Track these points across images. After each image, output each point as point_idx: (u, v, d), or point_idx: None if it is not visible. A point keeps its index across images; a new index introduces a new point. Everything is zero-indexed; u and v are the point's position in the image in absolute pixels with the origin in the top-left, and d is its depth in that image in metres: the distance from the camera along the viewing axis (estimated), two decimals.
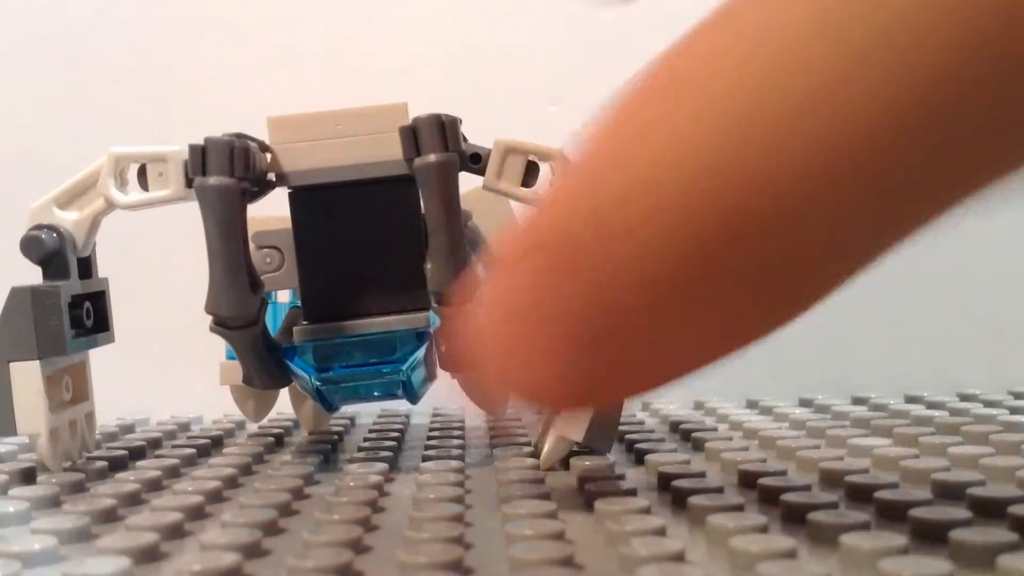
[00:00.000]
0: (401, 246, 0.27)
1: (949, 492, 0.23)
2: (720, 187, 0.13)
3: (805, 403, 0.38)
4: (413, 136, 0.26)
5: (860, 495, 0.23)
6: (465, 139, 0.26)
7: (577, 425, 0.27)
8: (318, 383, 0.27)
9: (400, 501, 0.24)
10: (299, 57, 0.41)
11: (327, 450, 0.30)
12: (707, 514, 0.21)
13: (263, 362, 0.27)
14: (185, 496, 0.24)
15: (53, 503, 0.24)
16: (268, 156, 0.27)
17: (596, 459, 0.27)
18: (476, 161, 0.27)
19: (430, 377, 0.29)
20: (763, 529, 0.20)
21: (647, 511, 0.21)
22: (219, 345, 0.40)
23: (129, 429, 0.36)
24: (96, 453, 0.30)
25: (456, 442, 0.32)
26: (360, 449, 0.30)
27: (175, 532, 0.21)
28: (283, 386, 0.29)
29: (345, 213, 0.27)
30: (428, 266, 0.26)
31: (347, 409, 0.38)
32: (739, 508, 0.21)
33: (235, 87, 0.41)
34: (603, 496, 0.23)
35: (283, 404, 0.35)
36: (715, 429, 0.33)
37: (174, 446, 0.32)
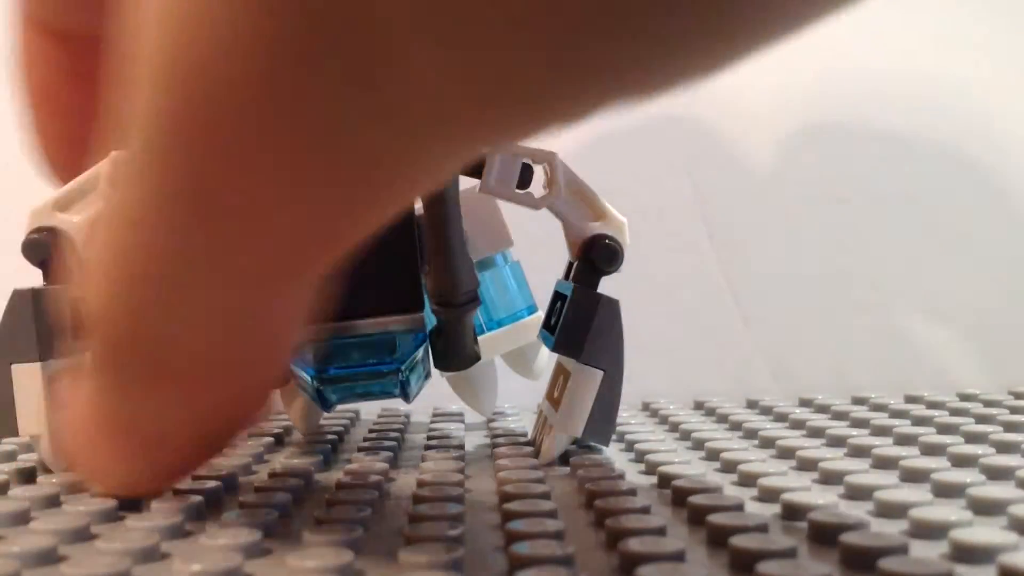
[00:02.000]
0: (394, 246, 0.27)
1: (949, 492, 0.23)
2: None
3: (805, 403, 0.38)
4: None
5: (859, 495, 0.23)
6: None
7: (577, 421, 0.27)
8: (317, 383, 0.27)
9: (400, 501, 0.24)
10: None
11: (327, 450, 0.30)
12: (707, 514, 0.21)
13: None
14: (185, 496, 0.24)
15: (53, 503, 0.24)
16: None
17: (596, 458, 0.27)
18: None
19: (425, 375, 0.29)
20: (763, 529, 0.20)
21: (647, 511, 0.21)
22: None
23: None
24: None
25: (456, 442, 0.32)
26: (360, 449, 0.30)
27: (175, 532, 0.21)
28: (279, 387, 0.29)
29: None
30: (427, 268, 0.26)
31: (348, 408, 0.38)
32: (739, 508, 0.21)
33: None
34: (603, 496, 0.23)
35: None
36: (715, 429, 0.33)
37: None
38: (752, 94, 0.41)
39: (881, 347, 0.42)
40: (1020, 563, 0.17)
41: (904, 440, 0.30)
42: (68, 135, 0.23)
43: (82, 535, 0.21)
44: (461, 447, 0.31)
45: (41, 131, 0.25)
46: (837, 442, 0.30)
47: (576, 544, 0.20)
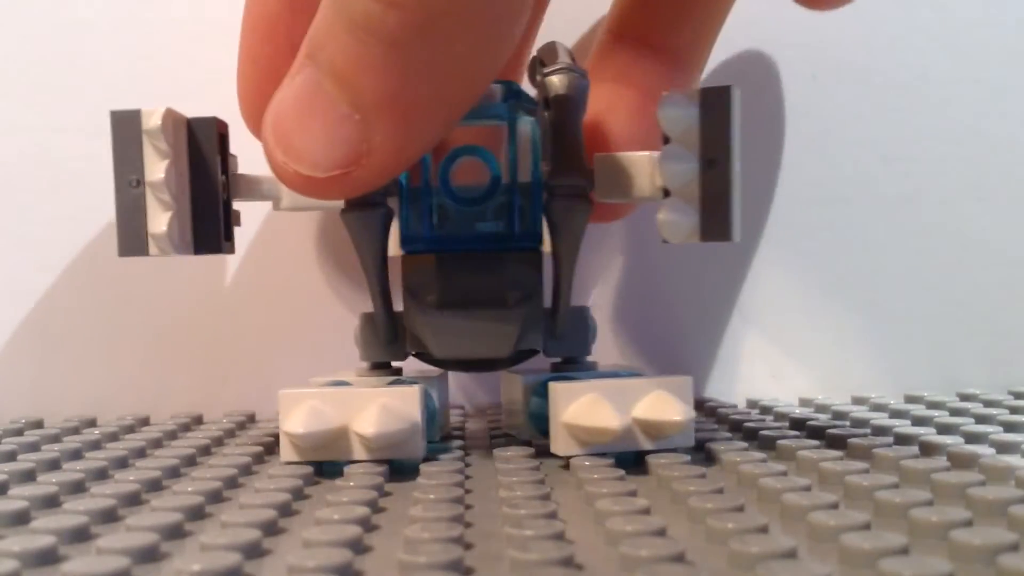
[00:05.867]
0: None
1: (949, 492, 0.23)
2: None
3: (806, 403, 0.38)
4: None
5: (859, 495, 0.23)
6: None
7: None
8: None
9: (400, 501, 0.24)
10: None
11: None
12: (707, 514, 0.21)
13: None
14: (185, 496, 0.24)
15: (53, 503, 0.24)
16: None
17: (597, 460, 0.27)
18: None
19: None
20: (763, 529, 0.20)
21: (647, 511, 0.21)
22: (215, 345, 0.40)
23: (129, 429, 0.36)
24: (96, 453, 0.30)
25: (456, 441, 0.32)
26: None
27: (175, 532, 0.21)
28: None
29: None
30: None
31: None
32: (739, 508, 0.21)
33: (233, 85, 0.41)
34: (603, 496, 0.23)
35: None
36: (715, 429, 0.33)
37: (174, 446, 0.32)
38: (751, 93, 0.41)
39: (881, 347, 0.42)
40: (1020, 563, 0.17)
41: (905, 440, 0.30)
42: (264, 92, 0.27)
43: (82, 535, 0.21)
44: (461, 446, 0.31)
45: (244, 86, 0.32)
46: (837, 442, 0.30)
47: (576, 544, 0.20)
